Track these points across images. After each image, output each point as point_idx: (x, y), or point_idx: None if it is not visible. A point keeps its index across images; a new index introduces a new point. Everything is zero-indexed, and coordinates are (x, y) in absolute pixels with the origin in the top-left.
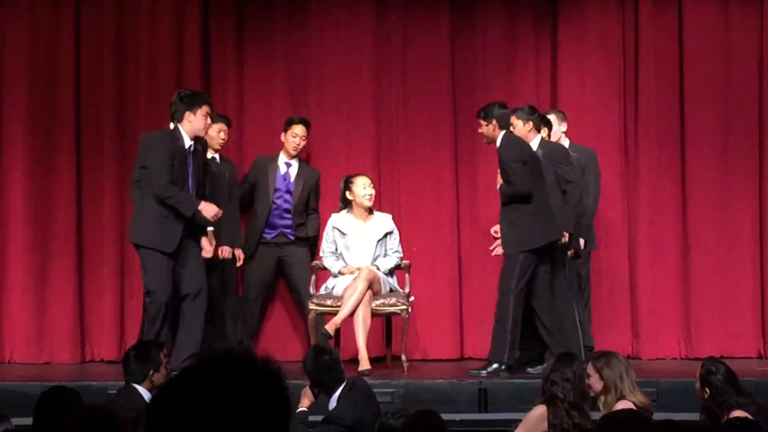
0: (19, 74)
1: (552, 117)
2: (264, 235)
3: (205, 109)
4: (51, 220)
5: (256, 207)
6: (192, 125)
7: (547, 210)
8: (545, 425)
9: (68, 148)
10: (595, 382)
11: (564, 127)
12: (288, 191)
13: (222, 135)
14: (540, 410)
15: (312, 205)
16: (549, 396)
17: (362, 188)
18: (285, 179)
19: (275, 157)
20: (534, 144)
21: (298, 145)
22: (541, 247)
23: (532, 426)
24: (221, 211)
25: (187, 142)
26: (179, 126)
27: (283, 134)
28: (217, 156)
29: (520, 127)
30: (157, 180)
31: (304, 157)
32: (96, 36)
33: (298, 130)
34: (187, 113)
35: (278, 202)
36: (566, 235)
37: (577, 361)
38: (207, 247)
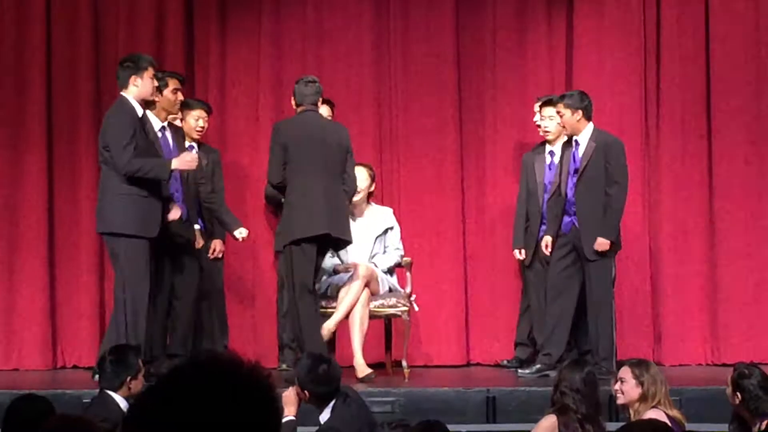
0: None
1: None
2: None
3: (150, 71)
4: (19, 213)
5: None
6: (139, 90)
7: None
8: None
9: (39, 136)
10: (631, 389)
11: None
12: None
13: (201, 123)
14: (550, 420)
15: None
16: (560, 406)
17: None
18: None
19: None
20: (585, 134)
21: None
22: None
23: None
24: (197, 156)
25: (139, 110)
26: (125, 94)
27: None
28: (194, 145)
29: (567, 116)
30: (120, 158)
31: None
32: (70, 18)
33: (325, 111)
34: (132, 77)
35: None
36: (607, 243)
37: (587, 368)
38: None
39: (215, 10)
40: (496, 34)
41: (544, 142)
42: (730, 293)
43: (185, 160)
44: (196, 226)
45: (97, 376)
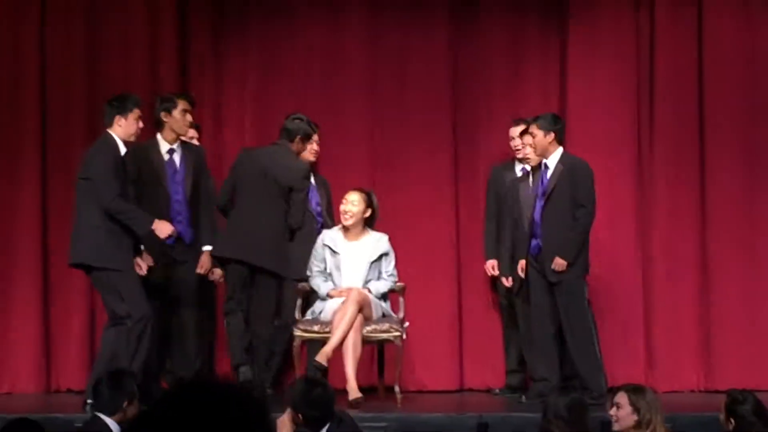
0: None
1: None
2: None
3: (136, 112)
4: (13, 236)
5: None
6: (123, 129)
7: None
8: None
9: (33, 166)
10: (627, 416)
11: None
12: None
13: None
14: None
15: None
16: None
17: (342, 203)
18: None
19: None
20: (554, 158)
21: (318, 152)
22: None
23: None
24: (175, 230)
25: (122, 149)
26: (110, 132)
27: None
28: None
29: (540, 138)
30: (106, 193)
31: None
32: (64, 46)
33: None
34: (117, 117)
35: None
36: (564, 263)
37: (573, 394)
38: (143, 266)
39: (209, 32)
40: (490, 59)
41: (514, 160)
42: (722, 320)
43: (165, 231)
44: (207, 247)
45: (89, 402)
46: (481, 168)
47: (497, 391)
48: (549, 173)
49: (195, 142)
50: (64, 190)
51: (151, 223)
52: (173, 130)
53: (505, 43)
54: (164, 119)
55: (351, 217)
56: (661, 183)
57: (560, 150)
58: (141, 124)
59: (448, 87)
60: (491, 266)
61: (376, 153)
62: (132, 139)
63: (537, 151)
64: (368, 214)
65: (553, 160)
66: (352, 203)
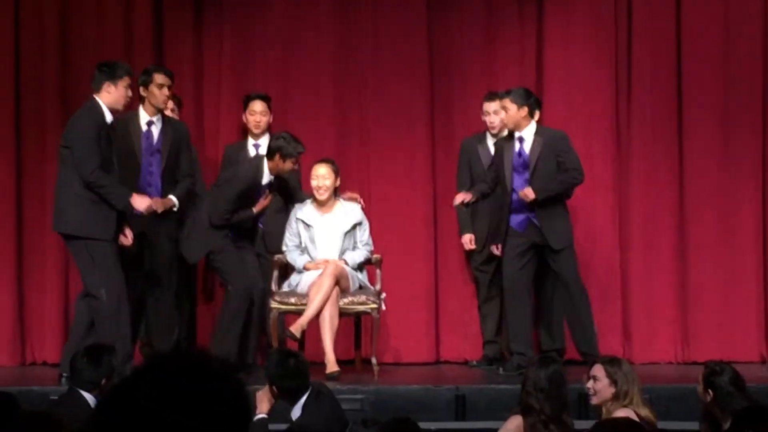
0: None
1: (497, 103)
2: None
3: (126, 80)
4: None
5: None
6: (111, 96)
7: None
8: None
9: (7, 129)
10: (604, 388)
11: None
12: None
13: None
14: (516, 422)
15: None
16: (524, 406)
17: (314, 179)
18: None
19: (243, 143)
20: (529, 131)
21: (260, 122)
22: None
23: None
24: (153, 204)
25: (108, 117)
26: (97, 98)
27: (243, 114)
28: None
29: (513, 111)
30: (85, 165)
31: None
32: (38, 19)
33: (257, 106)
34: (107, 83)
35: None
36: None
37: (553, 366)
38: (129, 235)
39: (186, 7)
40: (467, 32)
41: (485, 132)
42: (700, 291)
43: (143, 204)
44: (172, 197)
45: (64, 375)
46: (457, 139)
47: (474, 362)
48: (527, 146)
49: (173, 114)
50: (38, 161)
51: (129, 196)
52: (151, 104)
53: (481, 13)
54: (142, 93)
55: (325, 191)
56: (638, 154)
57: (534, 123)
58: (130, 93)
59: (425, 58)
60: (468, 239)
61: (352, 125)
62: (120, 107)
63: (509, 125)
64: (337, 184)
65: (528, 133)
66: (323, 177)
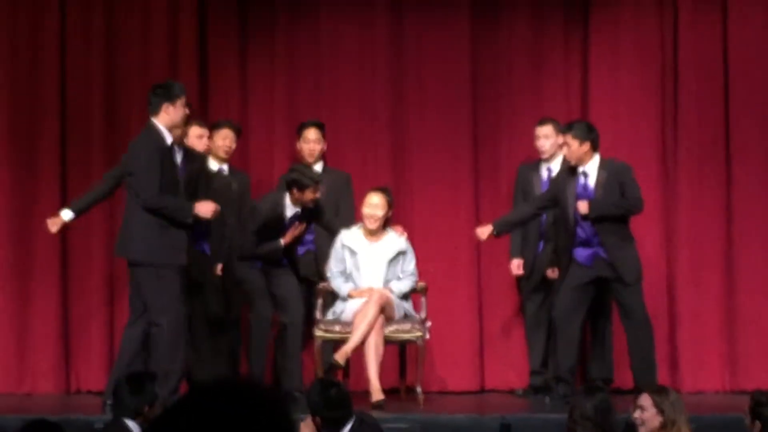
0: None
1: (549, 128)
2: (299, 252)
3: (183, 99)
4: (33, 235)
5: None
6: (170, 117)
7: None
8: None
9: (52, 155)
10: (651, 418)
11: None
12: None
13: (228, 142)
14: None
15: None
16: None
17: (366, 207)
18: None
19: None
20: (593, 165)
21: (314, 150)
22: None
23: None
24: (218, 207)
25: (168, 139)
26: (155, 121)
27: (297, 142)
28: (225, 167)
29: (575, 147)
30: (144, 190)
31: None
32: (84, 41)
33: (312, 134)
34: (165, 105)
35: None
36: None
37: (599, 395)
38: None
39: (231, 29)
40: (512, 57)
41: (539, 160)
42: (748, 319)
43: (207, 210)
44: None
45: (109, 403)
46: (502, 166)
47: (520, 391)
48: (592, 180)
49: (228, 142)
50: (83, 185)
51: (192, 208)
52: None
53: (526, 40)
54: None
55: (376, 220)
56: (685, 180)
57: (597, 157)
58: (188, 111)
59: (469, 84)
60: (516, 265)
61: (397, 152)
62: (179, 127)
63: (572, 160)
64: (390, 214)
65: (592, 168)
66: (376, 206)
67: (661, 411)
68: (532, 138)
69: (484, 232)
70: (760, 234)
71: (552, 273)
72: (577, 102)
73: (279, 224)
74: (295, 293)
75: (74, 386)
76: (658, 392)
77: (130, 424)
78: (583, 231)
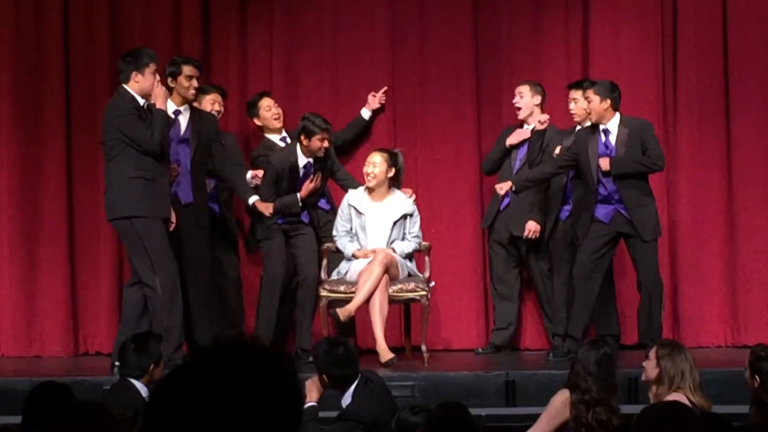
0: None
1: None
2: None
3: (152, 66)
4: (38, 200)
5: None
6: (140, 85)
7: None
8: (568, 411)
9: (57, 122)
10: (650, 369)
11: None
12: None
13: (217, 106)
14: (563, 396)
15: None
16: (572, 385)
17: (366, 165)
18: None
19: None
20: (614, 122)
21: (277, 114)
22: None
23: (556, 412)
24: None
25: (141, 100)
26: (126, 87)
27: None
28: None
29: (595, 103)
30: (143, 136)
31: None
32: (87, 12)
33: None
34: (134, 73)
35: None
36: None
37: (603, 348)
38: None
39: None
40: (513, 19)
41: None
42: (749, 275)
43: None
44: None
45: (116, 364)
46: (504, 122)
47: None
48: (613, 138)
49: (217, 107)
50: (88, 153)
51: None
52: (179, 95)
53: (527, 5)
54: (170, 84)
55: (373, 178)
56: (686, 138)
57: (618, 115)
58: (158, 78)
59: (472, 45)
60: (499, 188)
61: (399, 114)
62: (149, 93)
63: (593, 117)
64: (391, 173)
65: (613, 125)
66: (374, 164)
67: (659, 365)
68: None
69: (503, 187)
70: (760, 191)
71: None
72: (577, 61)
73: (294, 176)
74: (311, 252)
75: (82, 348)
76: (664, 346)
77: (137, 384)
78: (604, 188)
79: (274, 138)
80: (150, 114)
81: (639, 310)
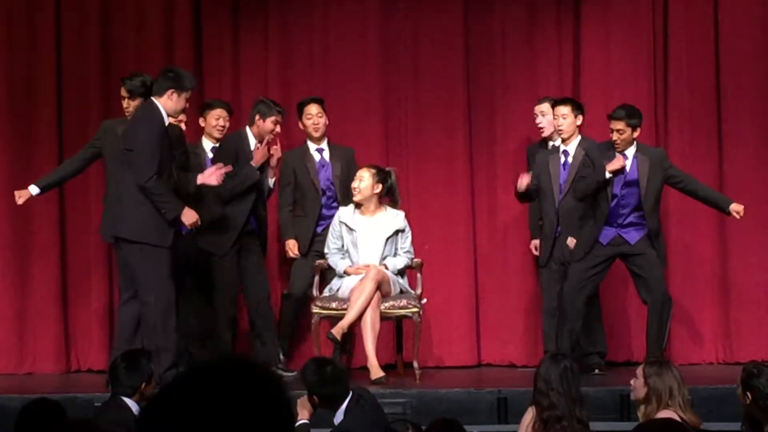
0: None
1: (545, 106)
2: (317, 230)
3: (188, 93)
4: (31, 219)
5: (302, 203)
6: (172, 104)
7: None
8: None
9: (50, 143)
10: (638, 387)
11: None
12: (328, 178)
13: (222, 122)
14: (530, 415)
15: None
16: (536, 401)
17: (353, 181)
18: (323, 165)
19: (303, 147)
20: (631, 149)
21: (317, 124)
22: None
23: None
24: (199, 220)
25: (166, 119)
26: (156, 101)
27: (299, 121)
28: (217, 146)
29: (627, 134)
30: (144, 170)
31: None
32: (80, 23)
33: (313, 109)
34: (171, 91)
35: (328, 192)
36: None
37: (563, 362)
38: None
39: (225, 13)
40: (505, 35)
41: (545, 140)
42: (741, 292)
43: (190, 219)
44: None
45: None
46: (497, 141)
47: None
48: (629, 164)
49: (222, 122)
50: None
51: (181, 209)
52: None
53: (519, 16)
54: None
55: (359, 192)
56: (677, 153)
57: (634, 143)
58: (187, 106)
59: (463, 60)
60: (534, 246)
61: (391, 130)
62: (175, 117)
63: (620, 146)
64: (378, 189)
65: (630, 152)
66: (360, 179)
67: (647, 384)
68: (526, 115)
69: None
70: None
71: (534, 249)
72: (569, 79)
73: (249, 159)
74: (260, 271)
75: (74, 365)
76: (651, 365)
77: (128, 401)
78: (633, 215)
79: (312, 147)
80: (168, 132)
81: (648, 328)
